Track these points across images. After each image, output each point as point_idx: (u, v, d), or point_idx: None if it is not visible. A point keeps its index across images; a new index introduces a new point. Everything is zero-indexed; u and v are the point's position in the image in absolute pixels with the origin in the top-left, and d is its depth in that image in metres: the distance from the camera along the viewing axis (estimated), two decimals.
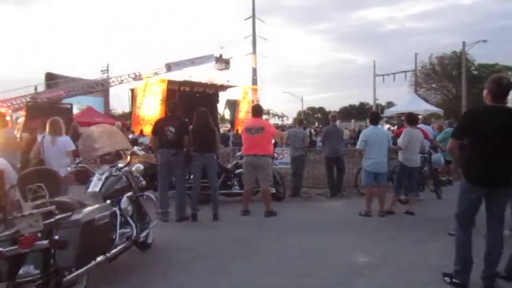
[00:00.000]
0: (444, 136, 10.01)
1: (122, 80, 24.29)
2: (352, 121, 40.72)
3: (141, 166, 5.10)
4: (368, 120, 8.97)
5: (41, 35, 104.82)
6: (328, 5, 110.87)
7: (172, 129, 6.82)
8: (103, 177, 4.53)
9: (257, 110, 7.87)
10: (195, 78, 27.61)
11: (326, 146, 9.80)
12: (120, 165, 4.84)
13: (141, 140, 9.94)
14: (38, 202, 3.44)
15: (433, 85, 43.02)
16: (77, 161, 6.20)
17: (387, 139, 7.44)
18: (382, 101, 45.24)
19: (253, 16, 36.50)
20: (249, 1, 37.57)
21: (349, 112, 67.20)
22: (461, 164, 4.01)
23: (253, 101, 30.81)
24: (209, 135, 7.02)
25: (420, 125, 10.25)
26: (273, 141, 8.06)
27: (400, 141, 7.49)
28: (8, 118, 8.46)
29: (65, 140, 6.08)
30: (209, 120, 7.23)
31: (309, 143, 10.87)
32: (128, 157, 4.93)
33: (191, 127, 7.08)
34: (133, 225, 4.48)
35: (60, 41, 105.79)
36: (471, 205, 3.93)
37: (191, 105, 26.00)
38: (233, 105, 31.45)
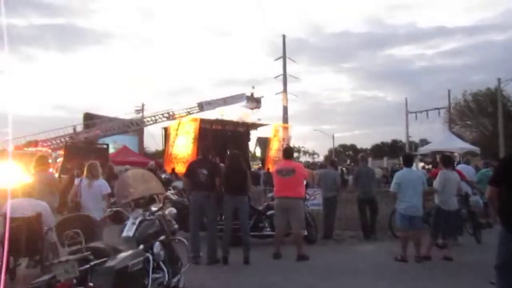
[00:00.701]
0: (481, 177, 9.71)
1: (156, 120, 25.00)
2: (385, 158, 40.14)
3: (174, 210, 5.15)
4: (401, 161, 8.84)
5: (82, 78, 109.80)
6: (355, 44, 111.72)
7: (204, 171, 6.92)
8: (137, 221, 4.58)
9: (288, 152, 7.90)
10: (227, 117, 28.12)
11: (358, 186, 9.68)
12: (154, 209, 4.90)
13: (174, 184, 10.11)
14: (74, 248, 3.52)
15: (468, 122, 42.07)
16: (112, 201, 6.34)
17: (422, 181, 7.27)
18: (415, 139, 44.41)
19: (284, 56, 37.16)
20: (279, 41, 38.33)
21: (381, 150, 66.31)
22: (498, 213, 3.86)
23: (283, 139, 30.94)
24: (241, 177, 7.05)
25: (461, 165, 10.05)
26: (304, 183, 8.01)
27: (435, 183, 7.32)
28: (50, 161, 8.79)
29: (101, 184, 6.24)
30: (241, 162, 7.30)
31: (341, 182, 10.75)
32: (162, 201, 5.00)
33: (222, 165, 7.13)
34: (165, 270, 4.48)
35: (100, 83, 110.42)
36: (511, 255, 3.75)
37: (223, 143, 26.70)
38: (264, 143, 31.63)
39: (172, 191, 7.74)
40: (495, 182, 3.91)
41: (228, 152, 7.39)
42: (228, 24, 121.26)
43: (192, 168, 7.21)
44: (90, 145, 19.13)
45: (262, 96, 30.96)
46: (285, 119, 35.23)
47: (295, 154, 52.23)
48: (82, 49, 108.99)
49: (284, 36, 37.59)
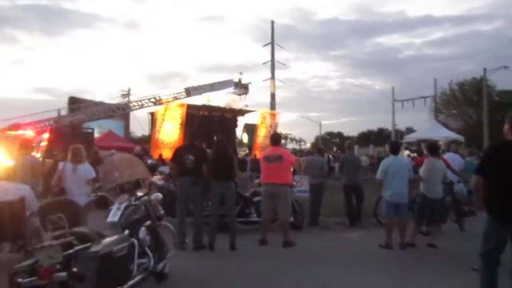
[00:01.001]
0: (466, 166, 9.82)
1: (142, 105, 24.64)
2: (371, 146, 40.42)
3: (160, 195, 5.11)
4: (388, 149, 8.88)
5: (67, 61, 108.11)
6: (343, 32, 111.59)
7: (191, 157, 6.86)
8: (122, 206, 4.54)
9: (275, 139, 7.87)
10: (214, 103, 27.95)
11: (344, 174, 9.71)
12: (140, 194, 4.86)
13: (161, 169, 10.02)
14: (57, 232, 3.47)
15: (454, 111, 42.56)
16: (97, 186, 6.26)
17: (408, 169, 7.32)
18: (401, 127, 44.76)
19: (272, 42, 36.95)
20: (268, 28, 38.06)
21: (367, 138, 66.78)
22: (484, 201, 3.90)
23: (271, 126, 30.92)
24: (228, 163, 7.02)
25: (449, 154, 10.13)
26: (292, 169, 8.01)
27: (421, 171, 7.37)
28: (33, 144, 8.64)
29: (86, 168, 6.14)
30: (228, 148, 7.27)
31: (328, 170, 10.78)
32: (148, 187, 4.95)
33: (209, 151, 7.09)
34: (151, 255, 4.45)
35: (85, 66, 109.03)
36: (497, 244, 3.80)
37: (210, 129, 26.54)
38: (251, 129, 31.57)
39: (158, 176, 7.64)
40: (480, 171, 3.94)
41: (215, 138, 7.31)
42: (216, 10, 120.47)
43: (178, 153, 7.14)
44: (75, 129, 18.84)
45: (250, 83, 30.73)
46: (273, 106, 35.19)
47: (282, 141, 52.33)
48: (67, 32, 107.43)
49: (272, 22, 37.34)
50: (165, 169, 9.24)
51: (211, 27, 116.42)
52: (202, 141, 23.91)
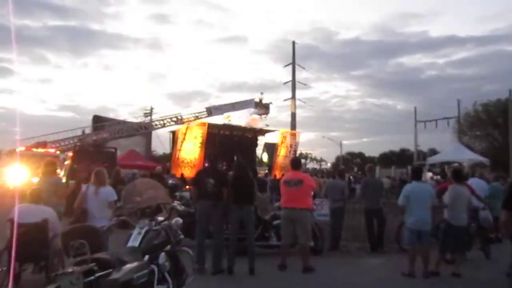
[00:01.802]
0: (491, 191, 9.56)
1: (164, 124, 25.11)
2: (393, 167, 39.80)
3: (180, 220, 5.11)
4: (409, 173, 8.75)
5: (93, 80, 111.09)
6: (365, 52, 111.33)
7: (211, 180, 6.90)
8: (143, 231, 4.56)
9: (296, 163, 7.85)
10: (235, 122, 28.17)
11: (365, 198, 9.61)
12: (160, 219, 4.88)
13: (182, 193, 10.09)
14: (79, 258, 3.50)
15: (478, 133, 41.78)
16: (118, 205, 6.31)
17: (431, 195, 7.19)
18: (424, 148, 44.07)
19: (293, 63, 37.25)
20: (289, 48, 38.37)
21: (389, 158, 65.88)
22: None
23: (291, 146, 30.93)
24: (248, 188, 7.04)
25: (474, 179, 9.89)
26: (312, 194, 7.96)
27: (445, 198, 7.23)
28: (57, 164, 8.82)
29: (108, 191, 6.22)
30: (247, 172, 7.29)
31: (348, 193, 10.67)
32: (168, 211, 4.98)
33: (230, 174, 7.11)
34: (170, 282, 4.44)
35: (110, 85, 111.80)
36: None
37: (230, 148, 26.72)
38: (271, 148, 31.63)
39: (178, 202, 7.69)
40: (508, 205, 3.83)
41: (235, 161, 7.35)
42: (239, 30, 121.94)
43: (199, 177, 7.21)
44: (98, 149, 19.22)
45: (271, 103, 31.15)
46: (293, 126, 35.31)
47: (302, 161, 52.09)
48: (93, 52, 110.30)
49: (293, 43, 37.84)
50: (186, 194, 9.30)
51: (233, 47, 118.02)
52: (222, 160, 24.26)
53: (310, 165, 60.45)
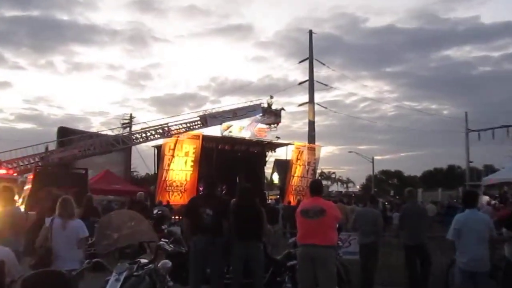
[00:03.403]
0: None
1: (147, 136, 25.14)
2: (439, 190, 39.66)
3: (169, 263, 5.15)
4: (461, 198, 8.74)
5: (59, 84, 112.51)
6: (401, 43, 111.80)
7: (209, 211, 6.92)
8: (122, 277, 4.60)
9: (316, 188, 7.81)
10: (237, 134, 28.23)
11: (404, 230, 9.60)
12: (143, 261, 4.92)
13: (171, 229, 10.07)
14: None
15: None
16: (90, 242, 6.33)
17: (489, 227, 7.14)
18: (478, 164, 44.01)
19: (310, 57, 37.39)
20: (305, 40, 38.60)
21: (434, 178, 65.74)
22: None
23: (309, 163, 30.92)
24: (254, 219, 7.06)
25: None
26: (337, 226, 7.95)
27: (505, 230, 7.20)
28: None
29: (78, 225, 6.24)
30: (254, 199, 7.32)
31: (383, 224, 10.66)
32: (154, 252, 5.01)
33: (233, 201, 7.12)
34: None
35: (79, 89, 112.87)
36: None
37: (231, 168, 26.76)
38: (284, 167, 31.64)
39: (167, 240, 7.72)
40: None
41: (238, 184, 7.39)
42: (240, 18, 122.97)
43: (193, 206, 7.21)
44: (65, 169, 19.32)
45: (282, 108, 31.12)
46: (312, 137, 35.29)
47: (324, 183, 52.00)
48: (60, 48, 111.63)
49: (311, 33, 37.97)
50: (177, 229, 9.29)
51: (234, 39, 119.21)
52: (221, 184, 24.20)
53: (334, 188, 60.35)
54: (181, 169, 25.05)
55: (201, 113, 26.81)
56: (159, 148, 26.55)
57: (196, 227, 7.02)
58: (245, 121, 28.71)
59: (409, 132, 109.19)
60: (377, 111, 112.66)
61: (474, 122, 38.73)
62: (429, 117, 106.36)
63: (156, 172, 26.84)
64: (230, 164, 26.75)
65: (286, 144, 30.73)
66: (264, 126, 29.99)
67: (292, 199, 27.03)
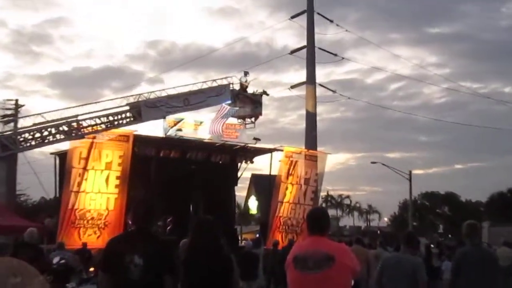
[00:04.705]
0: None
1: (44, 138, 24.95)
2: None
3: None
4: None
5: None
6: None
7: (138, 260, 6.82)
8: None
9: (318, 221, 7.76)
10: (190, 134, 28.23)
11: (461, 285, 9.62)
12: None
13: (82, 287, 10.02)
14: None
15: None
16: None
17: None
18: None
19: (309, 11, 37.50)
20: None
21: (508, 206, 66.52)
22: None
23: (307, 181, 30.97)
24: (218, 272, 7.06)
25: None
26: (352, 283, 7.95)
27: None
28: None
29: None
30: (217, 239, 7.26)
31: (427, 278, 10.71)
32: None
33: (184, 242, 7.08)
34: None
35: None
36: None
37: (181, 187, 26.64)
38: (266, 187, 31.70)
39: None
40: None
41: (193, 216, 7.40)
42: None
43: (114, 252, 7.10)
44: None
45: (264, 92, 31.08)
46: (312, 139, 35.43)
47: (331, 212, 52.60)
48: None
49: None
50: None
51: None
52: (164, 214, 24.04)
53: (347, 221, 60.71)
54: (99, 191, 25.03)
55: (131, 100, 26.61)
56: (62, 156, 26.41)
57: (119, 286, 6.93)
58: (204, 113, 28.74)
59: (468, 130, 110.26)
60: (417, 97, 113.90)
61: None
62: (500, 107, 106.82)
63: (58, 195, 26.72)
64: (180, 183, 26.74)
65: (271, 150, 30.82)
66: (235, 121, 30.03)
67: (280, 239, 27.05)
